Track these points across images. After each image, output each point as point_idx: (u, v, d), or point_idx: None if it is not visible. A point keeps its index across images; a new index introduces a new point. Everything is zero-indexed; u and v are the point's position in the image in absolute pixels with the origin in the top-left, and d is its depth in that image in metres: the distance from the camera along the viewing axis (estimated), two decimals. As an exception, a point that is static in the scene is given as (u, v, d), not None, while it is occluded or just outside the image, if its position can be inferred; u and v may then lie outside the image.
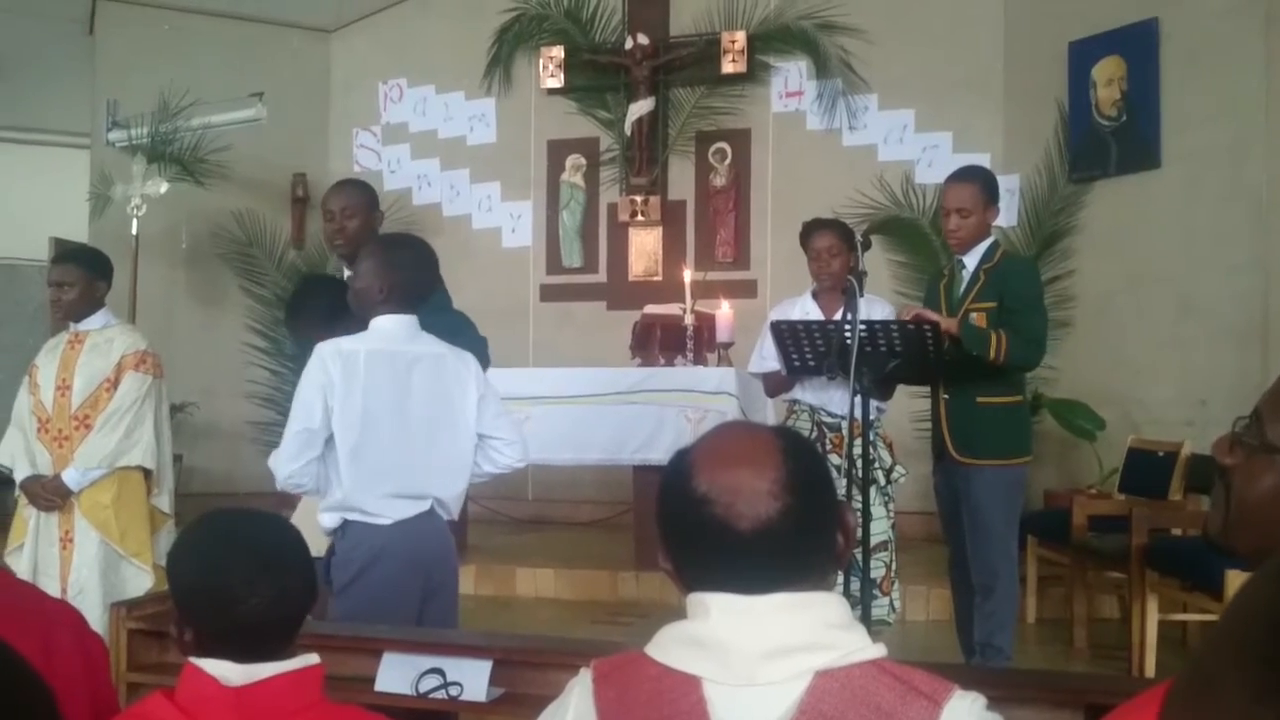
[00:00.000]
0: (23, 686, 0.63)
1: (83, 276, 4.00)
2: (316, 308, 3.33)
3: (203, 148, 8.02)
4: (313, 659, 1.57)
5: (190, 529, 1.60)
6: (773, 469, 1.28)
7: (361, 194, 3.65)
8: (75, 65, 8.79)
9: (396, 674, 2.35)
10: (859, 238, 3.94)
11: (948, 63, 7.45)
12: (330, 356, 2.88)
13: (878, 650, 1.27)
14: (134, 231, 7.75)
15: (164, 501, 4.12)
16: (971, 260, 4.01)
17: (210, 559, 1.55)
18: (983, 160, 6.44)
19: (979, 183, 4.01)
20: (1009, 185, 7.05)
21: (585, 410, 5.98)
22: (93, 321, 4.04)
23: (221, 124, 7.87)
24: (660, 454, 5.84)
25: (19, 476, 3.89)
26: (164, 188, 7.72)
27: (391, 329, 2.94)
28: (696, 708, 1.23)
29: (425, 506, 2.93)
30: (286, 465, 2.85)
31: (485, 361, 3.45)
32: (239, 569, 1.53)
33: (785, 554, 1.27)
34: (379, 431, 2.87)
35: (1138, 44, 6.52)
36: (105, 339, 4.01)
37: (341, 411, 2.84)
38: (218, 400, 8.21)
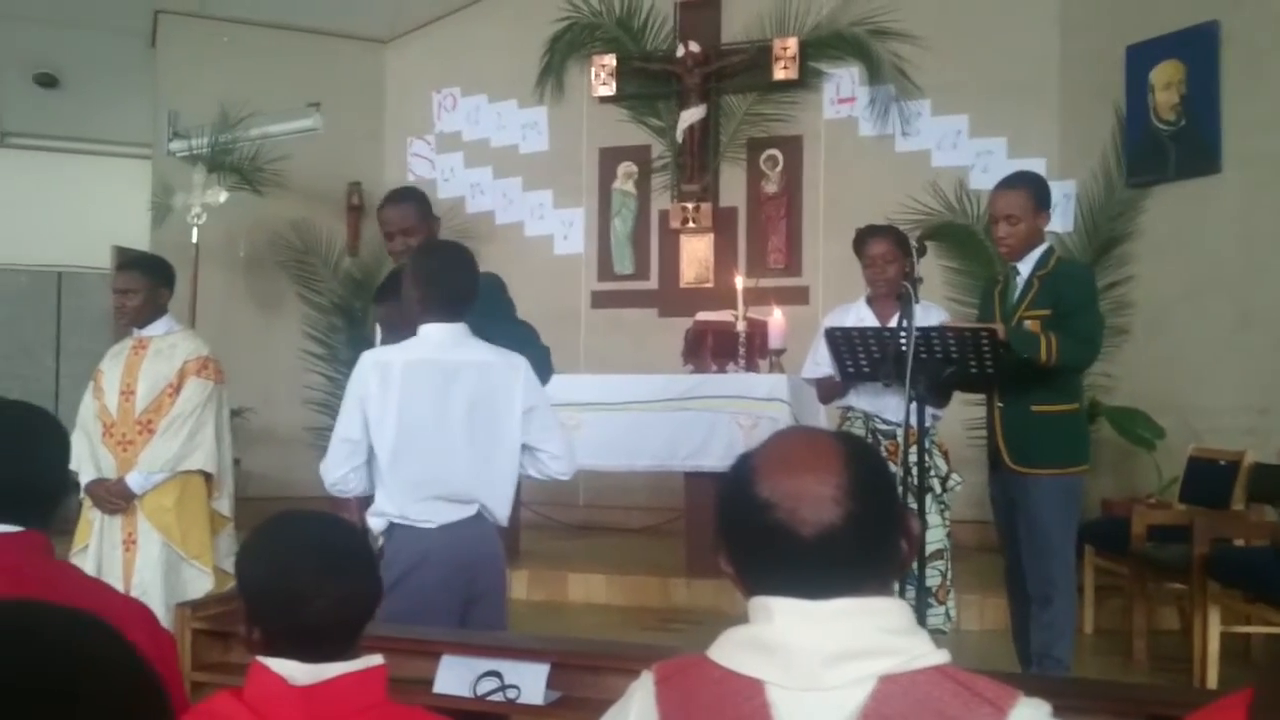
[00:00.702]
0: (147, 680, 0.65)
1: (146, 284, 4.07)
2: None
3: (261, 157, 8.15)
4: (376, 660, 1.59)
5: (260, 530, 1.63)
6: (836, 474, 1.28)
7: (415, 206, 3.67)
8: (137, 77, 8.96)
9: (455, 676, 2.37)
10: (914, 244, 3.92)
11: (1002, 67, 7.39)
12: (369, 368, 2.94)
13: (941, 656, 1.26)
14: (194, 240, 7.88)
15: (224, 505, 4.18)
16: (1025, 267, 3.97)
17: (279, 560, 1.58)
18: (1038, 166, 6.39)
19: (1027, 189, 3.97)
20: (1065, 190, 6.99)
21: (637, 416, 6.00)
22: (156, 328, 4.12)
23: (279, 134, 7.99)
24: (712, 460, 5.84)
25: (84, 480, 3.97)
26: (223, 197, 7.85)
27: (437, 337, 2.97)
28: (760, 711, 1.23)
29: (471, 511, 2.96)
30: (332, 472, 2.95)
31: (548, 371, 3.47)
32: (307, 570, 1.56)
33: (848, 559, 1.27)
34: (417, 440, 2.90)
35: (1198, 47, 6.43)
36: (168, 345, 4.08)
37: (378, 421, 2.90)
38: (275, 405, 8.32)
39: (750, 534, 1.31)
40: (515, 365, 3.04)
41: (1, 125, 9.40)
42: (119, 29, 8.89)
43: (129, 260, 4.25)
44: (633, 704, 1.34)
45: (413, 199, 3.69)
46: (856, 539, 1.27)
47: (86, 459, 3.97)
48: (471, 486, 2.95)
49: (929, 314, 3.96)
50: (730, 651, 1.29)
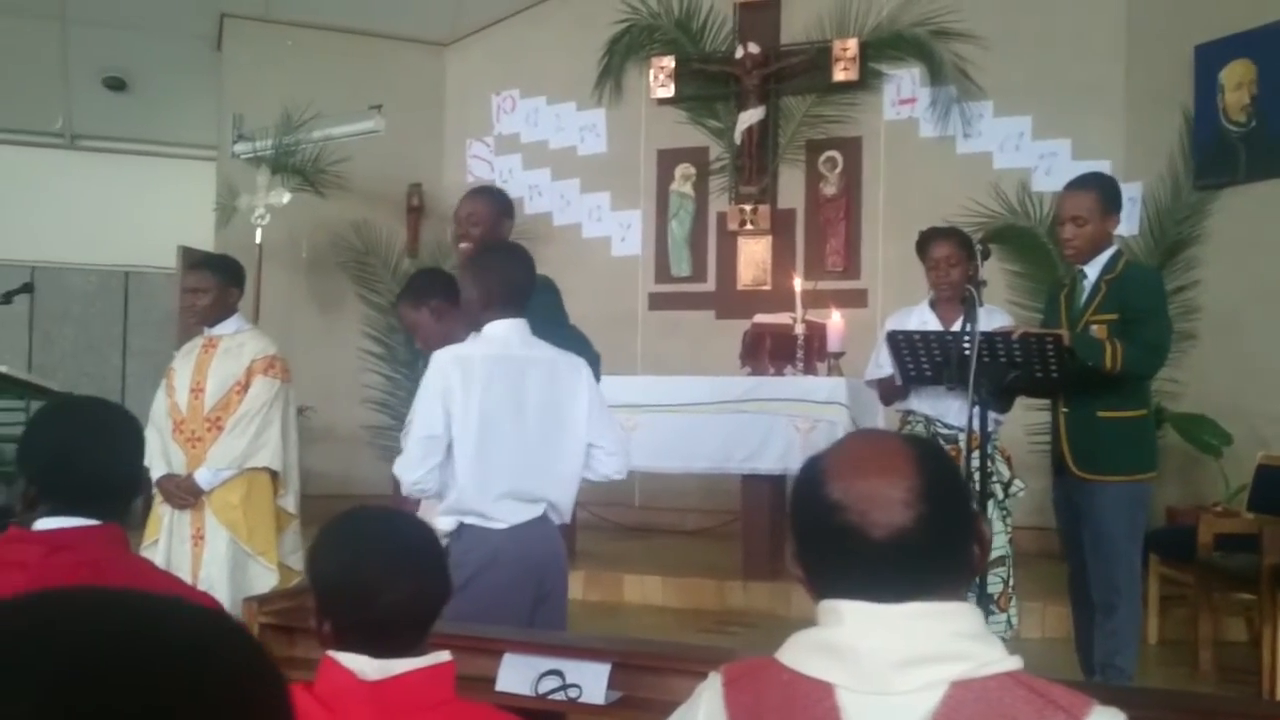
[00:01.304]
0: (269, 670, 0.66)
1: (216, 283, 4.15)
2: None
3: (323, 159, 8.25)
4: (444, 656, 1.61)
5: (333, 525, 1.66)
6: (908, 477, 1.28)
7: (488, 202, 3.70)
8: (203, 80, 9.12)
9: (516, 674, 2.38)
10: (978, 246, 3.88)
11: (1067, 68, 7.29)
12: (449, 363, 2.94)
13: (1014, 662, 1.25)
14: (258, 241, 8.01)
15: (290, 502, 4.24)
16: (1093, 270, 3.91)
17: (351, 554, 1.61)
18: (1102, 168, 6.28)
19: (1096, 190, 3.91)
20: (1130, 193, 6.86)
21: (694, 419, 5.99)
22: (226, 326, 4.19)
23: (341, 136, 8.10)
24: (769, 463, 5.82)
25: (155, 475, 4.04)
26: (286, 198, 7.96)
27: (504, 334, 2.99)
28: (830, 715, 1.23)
29: (539, 511, 2.98)
30: (413, 472, 2.93)
31: (596, 377, 3.49)
32: (377, 565, 1.58)
33: (919, 563, 1.27)
34: (496, 435, 2.92)
35: (1269, 46, 6.30)
36: (237, 344, 4.15)
37: (461, 416, 2.90)
38: (335, 404, 8.42)
39: (820, 536, 1.31)
40: (577, 364, 3.07)
41: (72, 128, 9.60)
42: (185, 33, 9.06)
43: (200, 260, 4.34)
44: (700, 705, 1.34)
45: (487, 195, 3.72)
46: (928, 542, 1.27)
47: (158, 454, 4.04)
48: (542, 484, 2.97)
49: (992, 318, 3.92)
50: (800, 654, 1.29)
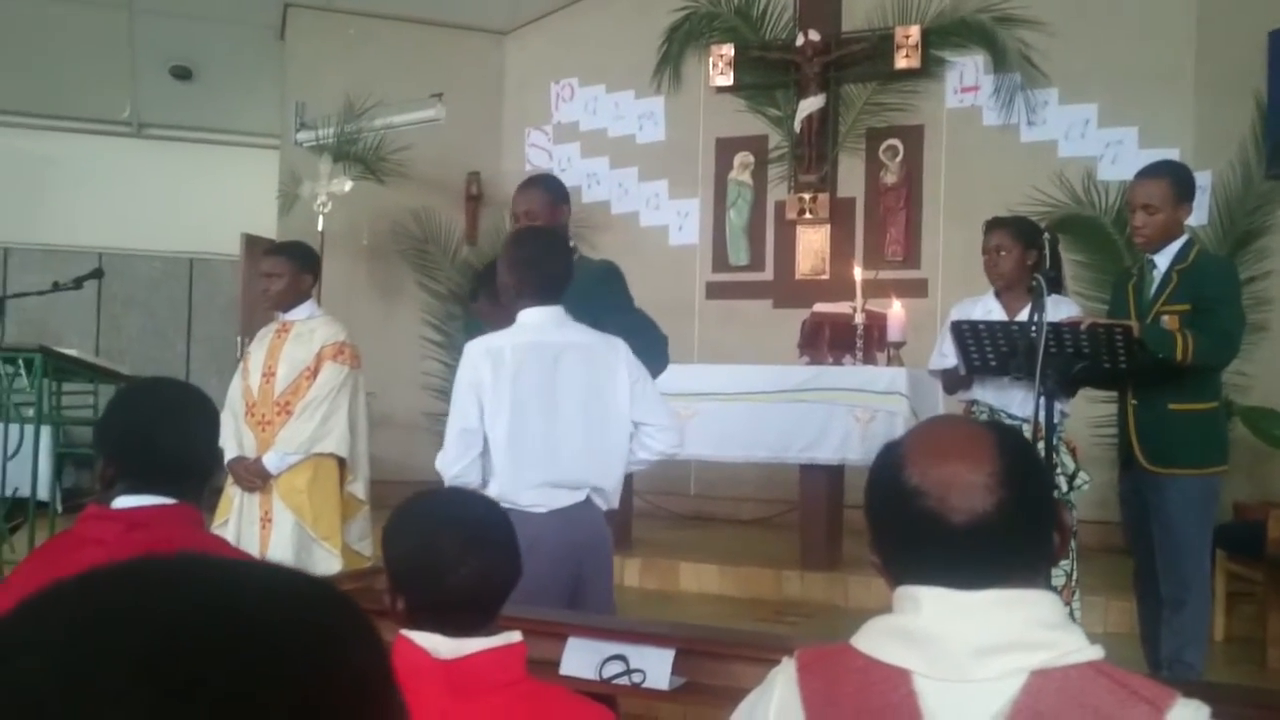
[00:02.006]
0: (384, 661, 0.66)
1: (290, 269, 4.22)
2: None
3: (384, 147, 8.32)
4: (515, 636, 1.62)
5: (407, 504, 1.69)
6: (988, 462, 1.26)
7: (542, 193, 3.70)
8: (267, 70, 9.24)
9: (581, 658, 2.40)
10: (1046, 236, 3.82)
11: (1134, 54, 7.16)
12: (478, 355, 2.96)
13: (1095, 652, 1.24)
14: (320, 228, 8.10)
15: (359, 488, 4.29)
16: (1163, 260, 3.84)
17: (424, 532, 1.63)
18: (1171, 156, 6.17)
19: (1170, 178, 3.84)
20: (1200, 182, 6.68)
21: (752, 408, 5.96)
22: (299, 312, 4.26)
23: (402, 124, 8.16)
24: (827, 453, 5.79)
25: (227, 457, 4.11)
26: (348, 186, 8.04)
27: (537, 320, 2.98)
28: (906, 701, 1.22)
29: (580, 496, 2.97)
30: (453, 465, 2.96)
31: (664, 360, 3.48)
32: (449, 542, 1.60)
33: (999, 549, 1.25)
34: (529, 423, 2.92)
35: (1346, 32, 6.14)
36: (308, 329, 4.22)
37: (493, 407, 2.92)
38: (395, 391, 8.49)
39: (898, 522, 1.30)
40: (614, 345, 3.04)
41: (139, 117, 9.76)
42: (250, 23, 9.18)
43: (276, 246, 4.42)
44: (774, 689, 1.34)
45: (540, 186, 3.73)
46: (1008, 528, 1.25)
47: (231, 436, 4.11)
48: (584, 471, 2.96)
49: (1060, 308, 3.86)
50: (876, 640, 1.28)
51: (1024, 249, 3.97)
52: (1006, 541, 1.25)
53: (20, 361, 5.50)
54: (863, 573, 5.82)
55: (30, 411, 5.62)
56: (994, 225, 4.12)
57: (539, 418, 2.93)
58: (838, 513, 6.04)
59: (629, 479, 5.98)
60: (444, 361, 8.71)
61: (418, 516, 1.67)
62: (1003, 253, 4.01)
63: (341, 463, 4.19)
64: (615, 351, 3.02)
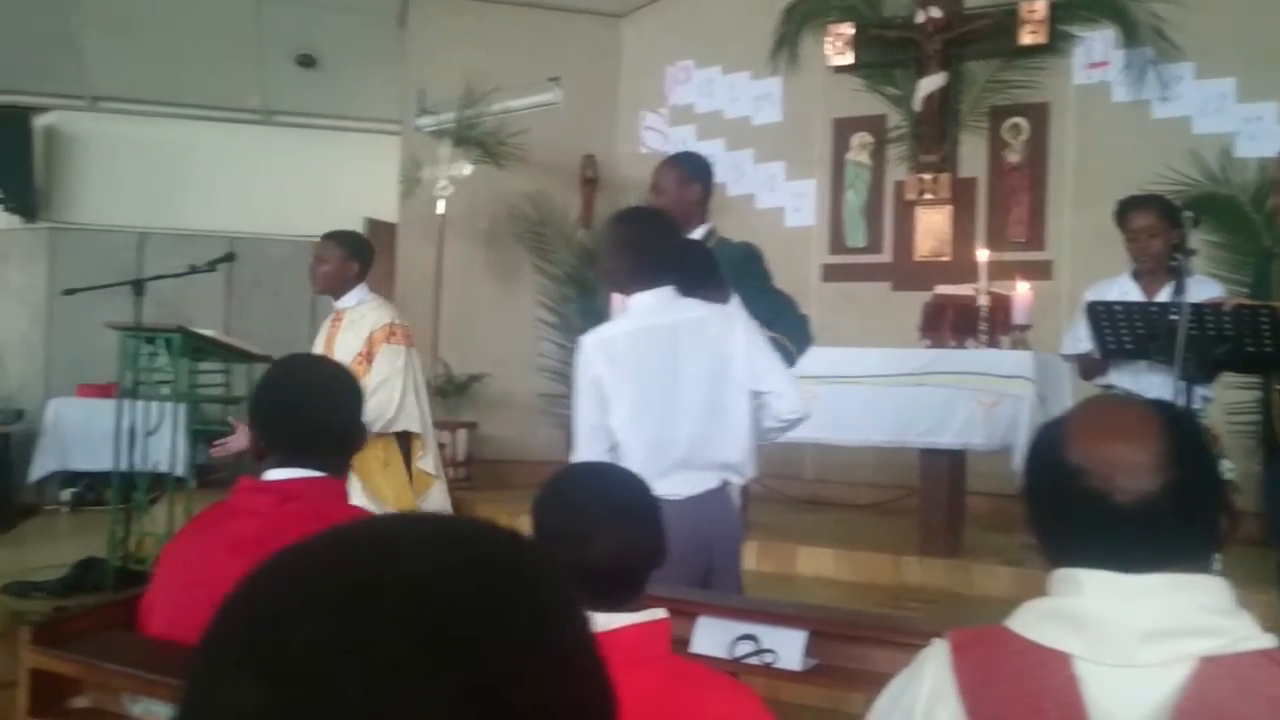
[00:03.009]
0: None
1: (339, 254, 4.32)
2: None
3: (503, 131, 8.41)
4: (661, 613, 1.64)
5: (554, 478, 1.73)
6: (1154, 440, 1.23)
7: (672, 169, 3.68)
8: (388, 57, 9.41)
9: (711, 637, 2.40)
10: (1187, 214, 3.69)
11: (1276, 25, 6.84)
12: (593, 348, 2.94)
13: (1269, 640, 1.20)
14: (440, 211, 8.24)
15: (429, 463, 4.35)
16: (1310, 238, 3.69)
17: (568, 503, 1.66)
18: (1316, 131, 5.90)
19: None
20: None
21: (872, 391, 5.89)
22: (348, 299, 4.36)
23: (520, 108, 8.23)
24: (949, 438, 5.69)
25: None
26: (468, 170, 8.15)
27: (649, 303, 2.96)
28: (1067, 685, 1.20)
29: (714, 483, 2.95)
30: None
31: (807, 339, 3.44)
32: (592, 514, 1.63)
33: (1166, 531, 1.22)
34: (654, 408, 2.91)
35: None
36: (358, 315, 4.32)
37: (616, 399, 2.90)
38: (511, 372, 8.62)
39: (1060, 502, 1.27)
40: (729, 314, 3.01)
41: (267, 104, 10.04)
42: (372, 10, 9.36)
43: (330, 232, 4.49)
44: (926, 670, 1.32)
45: (672, 162, 3.71)
46: (1176, 509, 1.22)
47: None
48: (714, 447, 2.93)
49: (1202, 288, 3.73)
50: (1034, 623, 1.26)
51: (1171, 229, 3.84)
52: (1173, 523, 1.22)
53: (160, 341, 5.72)
54: (985, 560, 5.73)
55: (168, 389, 5.85)
56: (1139, 205, 3.99)
57: (662, 402, 2.91)
58: (959, 498, 5.95)
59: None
60: (559, 343, 8.79)
61: (564, 488, 1.70)
62: (1153, 234, 3.88)
63: (409, 440, 4.25)
64: (730, 320, 2.98)
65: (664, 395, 2.92)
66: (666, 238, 3.04)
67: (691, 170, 3.68)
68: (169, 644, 1.86)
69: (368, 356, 4.22)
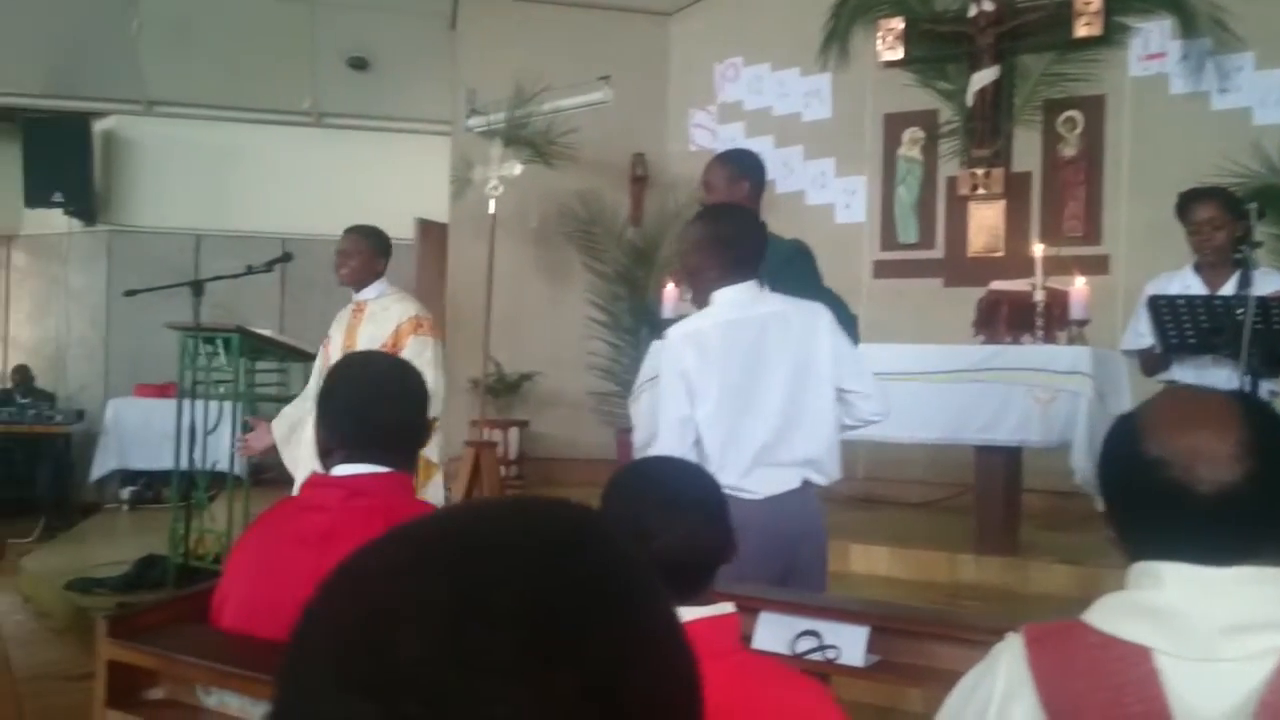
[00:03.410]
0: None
1: (364, 248, 4.38)
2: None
3: (553, 130, 8.44)
4: (728, 608, 1.63)
5: (621, 471, 1.73)
6: (1234, 430, 1.21)
7: (720, 166, 3.67)
8: (438, 58, 9.50)
9: (773, 633, 2.40)
10: (1251, 206, 3.63)
11: (1339, 14, 6.72)
12: (682, 340, 2.93)
13: (1358, 635, 1.18)
14: (491, 211, 8.28)
15: (434, 452, 4.39)
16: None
17: (630, 498, 1.67)
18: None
19: None
20: None
21: (925, 388, 5.83)
22: (369, 291, 4.43)
23: (570, 107, 8.26)
24: (1005, 434, 5.62)
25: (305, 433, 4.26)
26: (519, 169, 8.18)
27: (733, 298, 2.95)
28: (1148, 679, 1.18)
29: (796, 482, 2.92)
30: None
31: (855, 338, 3.43)
32: (654, 507, 1.63)
33: (1247, 522, 1.20)
34: (742, 403, 2.89)
35: None
36: (381, 307, 4.38)
37: (703, 391, 2.88)
38: (561, 370, 8.65)
39: (1138, 494, 1.26)
40: (816, 311, 2.98)
41: (319, 106, 10.16)
42: (422, 12, 9.45)
43: (354, 227, 4.54)
44: (1000, 665, 1.31)
45: (721, 159, 3.70)
46: (1259, 500, 1.20)
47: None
48: (798, 443, 2.89)
49: (1268, 280, 3.67)
50: (1112, 617, 1.25)
51: (1234, 221, 3.78)
52: (1256, 514, 1.21)
53: (219, 341, 5.80)
54: (1042, 558, 5.66)
55: (226, 389, 5.93)
56: (1202, 197, 3.93)
57: (748, 396, 2.89)
58: (1015, 495, 5.88)
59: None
60: (609, 341, 8.82)
61: (629, 482, 1.71)
62: (1216, 226, 3.82)
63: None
64: (816, 315, 2.96)
65: (747, 389, 2.90)
66: (752, 232, 3.03)
67: (741, 167, 3.67)
68: (241, 636, 1.89)
69: (393, 348, 4.28)
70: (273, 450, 4.43)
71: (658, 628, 0.61)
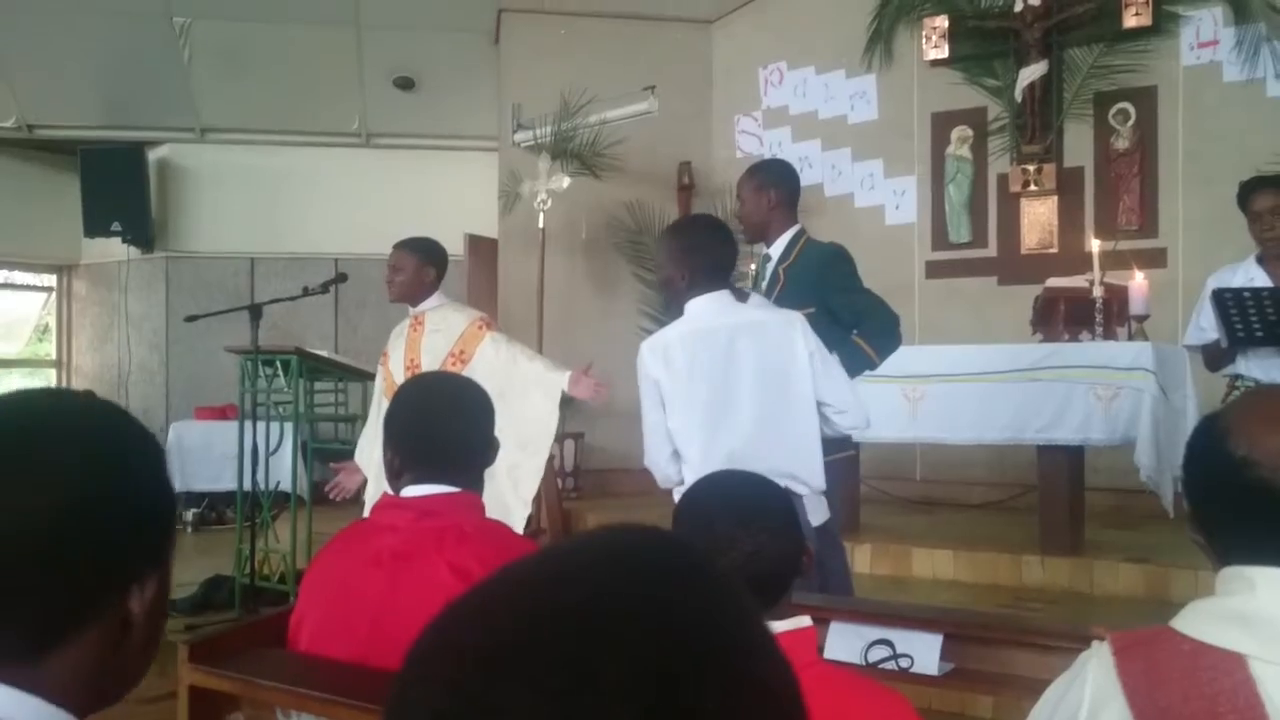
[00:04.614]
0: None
1: (413, 262, 4.39)
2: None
3: (599, 142, 8.46)
4: (805, 621, 1.62)
5: (694, 487, 1.73)
6: None
7: (748, 179, 3.74)
8: (483, 75, 9.56)
9: (845, 643, 2.39)
10: (1315, 194, 3.56)
11: (1398, -6, 6.58)
12: (650, 351, 2.96)
13: None
14: (540, 225, 8.32)
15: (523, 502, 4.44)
16: None
17: (698, 515, 1.67)
18: None
19: None
20: None
21: (984, 388, 5.78)
22: (428, 304, 4.46)
23: (616, 119, 8.27)
24: (1067, 433, 5.55)
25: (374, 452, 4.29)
26: (566, 183, 8.22)
27: (704, 307, 2.95)
28: (1243, 687, 1.16)
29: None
30: (662, 468, 2.98)
31: (896, 340, 3.42)
32: (722, 523, 1.63)
33: (1344, 526, 1.18)
34: (712, 412, 2.89)
35: None
36: (442, 317, 4.40)
37: (671, 400, 2.92)
38: (615, 381, 8.59)
39: (1226, 496, 1.24)
40: (790, 319, 2.97)
41: (368, 127, 10.27)
42: (466, 30, 9.52)
43: (403, 240, 4.57)
44: (1088, 674, 1.29)
45: (749, 172, 3.76)
46: (1352, 503, 1.18)
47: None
48: (775, 455, 2.85)
49: (1335, 270, 3.60)
50: (1203, 623, 1.23)
51: None
52: (1349, 517, 1.18)
53: (278, 363, 5.88)
54: (1108, 557, 5.58)
55: (286, 410, 6.01)
56: (1263, 186, 3.86)
57: (718, 406, 2.89)
58: (1079, 495, 5.80)
59: (857, 463, 5.94)
60: (662, 351, 8.81)
61: (696, 500, 1.72)
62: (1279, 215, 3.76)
63: None
64: (791, 326, 2.94)
65: (716, 398, 2.90)
66: (720, 242, 3.03)
67: (765, 178, 3.71)
68: (318, 659, 1.91)
69: (461, 356, 4.32)
70: (364, 485, 4.45)
71: (772, 678, 0.60)
